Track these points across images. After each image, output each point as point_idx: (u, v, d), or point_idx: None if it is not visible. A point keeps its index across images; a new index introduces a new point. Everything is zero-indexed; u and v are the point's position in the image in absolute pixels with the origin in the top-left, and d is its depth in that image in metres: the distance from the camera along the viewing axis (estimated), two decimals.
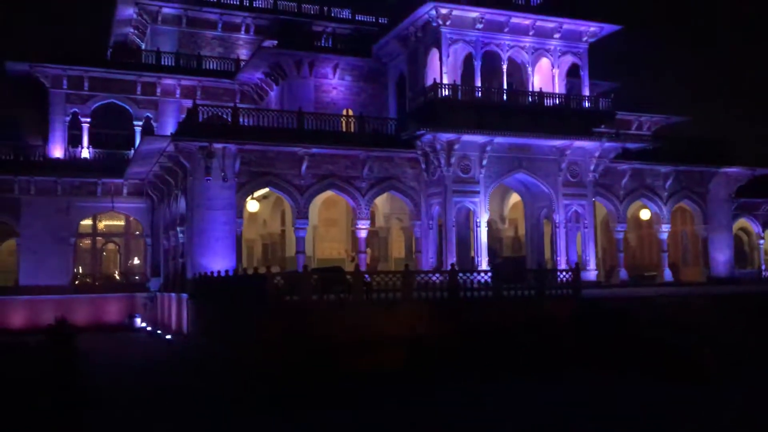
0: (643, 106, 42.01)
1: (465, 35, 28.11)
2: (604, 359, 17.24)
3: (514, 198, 33.20)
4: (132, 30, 39.35)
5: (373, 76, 32.58)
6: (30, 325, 28.52)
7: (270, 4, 39.18)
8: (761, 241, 39.48)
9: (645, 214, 33.93)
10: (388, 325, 17.42)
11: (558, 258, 28.96)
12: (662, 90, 57.17)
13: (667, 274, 32.21)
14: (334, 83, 32.29)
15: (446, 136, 26.63)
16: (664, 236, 32.71)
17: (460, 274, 21.01)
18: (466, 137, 26.76)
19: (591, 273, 29.25)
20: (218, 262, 24.88)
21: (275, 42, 32.98)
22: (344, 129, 28.23)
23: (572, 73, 30.78)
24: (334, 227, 34.14)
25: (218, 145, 24.98)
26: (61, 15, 48.41)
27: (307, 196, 26.90)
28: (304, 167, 26.52)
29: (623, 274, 31.46)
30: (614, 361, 16.99)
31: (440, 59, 27.71)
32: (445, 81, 27.39)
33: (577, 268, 21.40)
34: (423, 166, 28.19)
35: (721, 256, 33.53)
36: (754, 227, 39.32)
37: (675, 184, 32.66)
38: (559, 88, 29.76)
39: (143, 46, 38.75)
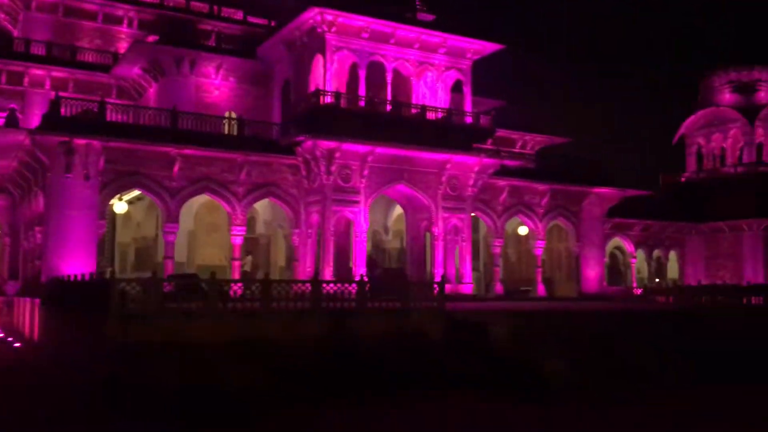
0: (528, 126, 43.36)
1: (350, 43, 27.87)
2: (465, 376, 17.16)
3: (399, 209, 33.24)
4: (3, 15, 36.76)
5: (258, 79, 31.81)
6: None
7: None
8: (633, 260, 41.40)
9: (523, 230, 34.84)
10: (244, 337, 16.67)
11: (435, 271, 29.12)
12: (552, 112, 59.35)
13: (541, 289, 33.10)
14: (217, 84, 31.28)
15: (327, 144, 26.24)
16: (539, 252, 33.64)
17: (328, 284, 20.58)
18: (348, 146, 26.47)
19: (467, 286, 29.59)
20: (76, 265, 23.31)
21: (157, 37, 31.70)
22: (224, 131, 27.33)
23: (457, 88, 31.20)
24: (216, 233, 32.92)
25: (80, 141, 23.46)
26: None
27: (179, 199, 25.73)
28: (176, 169, 25.37)
29: (499, 288, 32.05)
30: (473, 378, 16.92)
31: (324, 66, 27.35)
32: (329, 88, 27.05)
33: (442, 281, 21.45)
34: (304, 173, 27.65)
35: (592, 273, 34.84)
36: (627, 246, 41.27)
37: (551, 202, 33.69)
38: (442, 102, 30.06)
39: (15, 34, 36.30)
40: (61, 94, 27.86)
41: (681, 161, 49.21)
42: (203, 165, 26.09)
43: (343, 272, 27.55)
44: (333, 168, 26.70)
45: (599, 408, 15.71)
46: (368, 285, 22.62)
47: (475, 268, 35.65)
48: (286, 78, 30.39)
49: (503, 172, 31.64)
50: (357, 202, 27.43)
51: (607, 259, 40.86)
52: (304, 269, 27.69)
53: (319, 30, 27.37)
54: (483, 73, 42.09)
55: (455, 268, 29.78)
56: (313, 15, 27.03)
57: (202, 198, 27.51)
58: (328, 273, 26.52)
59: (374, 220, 34.16)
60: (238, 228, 26.85)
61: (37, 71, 32.03)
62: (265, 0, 36.51)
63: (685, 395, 17.55)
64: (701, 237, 44.38)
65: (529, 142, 43.73)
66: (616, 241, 41.09)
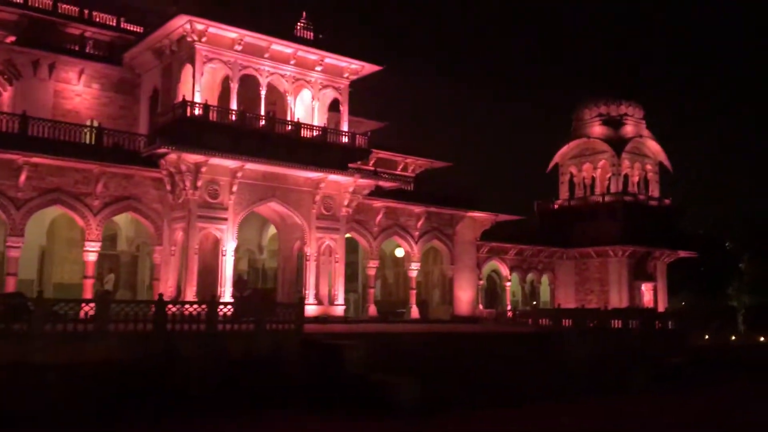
0: (410, 149, 43.69)
1: (222, 55, 26.88)
2: (318, 397, 16.54)
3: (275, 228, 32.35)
4: None
5: (126, 87, 30.12)
6: None
7: None
8: (508, 283, 42.32)
9: (400, 252, 34.79)
10: (77, 360, 15.26)
11: (306, 292, 28.38)
12: (435, 135, 60.38)
13: (415, 312, 33.03)
14: (79, 90, 29.32)
15: (193, 157, 25.05)
16: (414, 274, 33.65)
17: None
18: (215, 160, 25.38)
19: (339, 308, 29.03)
20: None
21: (14, 38, 29.44)
22: (83, 140, 25.51)
23: (335, 107, 30.82)
24: (77, 248, 30.66)
25: None
26: None
27: (25, 211, 23.69)
28: (23, 178, 23.36)
29: (372, 310, 31.70)
30: (326, 399, 16.34)
31: (194, 76, 26.20)
32: (198, 99, 25.90)
33: (300, 302, 20.79)
34: (169, 187, 26.26)
35: (465, 296, 35.23)
36: (503, 270, 42.17)
37: (426, 224, 33.86)
38: (319, 120, 29.55)
39: None
40: None
41: (556, 189, 51.21)
42: (55, 175, 24.22)
43: (209, 293, 26.23)
44: (199, 183, 25.51)
45: (446, 424, 15.61)
46: (231, 306, 21.64)
47: (353, 290, 35.36)
48: (155, 87, 28.94)
49: (380, 193, 31.51)
50: (225, 219, 26.31)
51: (484, 282, 41.68)
52: (166, 289, 26.15)
53: (189, 39, 26.23)
54: (367, 94, 42.33)
55: (328, 289, 29.16)
56: (182, 23, 25.87)
57: (60, 210, 25.51)
58: (190, 293, 25.19)
59: (249, 239, 33.19)
60: (93, 244, 25.07)
61: None
62: (143, 6, 34.71)
63: (532, 412, 17.84)
64: (571, 262, 46.12)
65: (411, 164, 43.99)
66: (494, 264, 41.96)
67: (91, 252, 25.13)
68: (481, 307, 37.88)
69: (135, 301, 23.33)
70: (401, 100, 68.82)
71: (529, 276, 44.13)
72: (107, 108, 29.87)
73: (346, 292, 35.57)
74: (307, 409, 16.24)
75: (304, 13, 31.22)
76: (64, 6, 35.43)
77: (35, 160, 23.32)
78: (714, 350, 36.95)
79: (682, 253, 46.55)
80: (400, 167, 43.25)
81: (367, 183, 29.53)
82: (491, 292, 43.44)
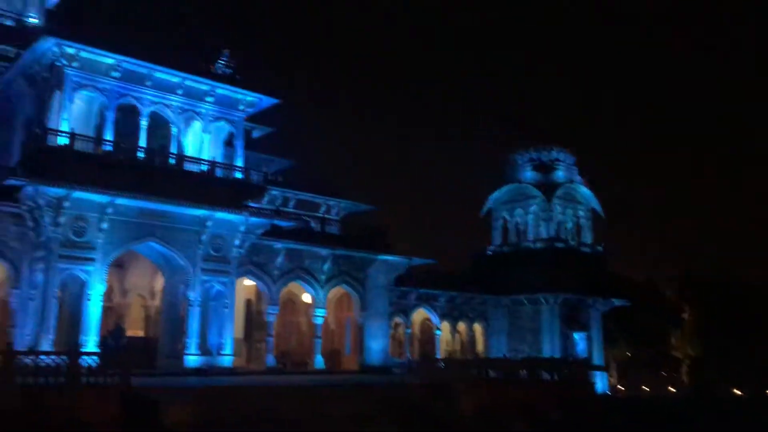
0: (332, 190, 41.89)
1: (97, 82, 24.82)
2: None
3: None
4: None
5: (1, 116, 27.78)
6: None
7: None
8: (438, 332, 40.16)
9: (306, 298, 32.50)
10: None
11: (188, 341, 25.83)
12: (360, 177, 58.90)
13: (318, 362, 30.57)
14: None
15: (53, 191, 22.72)
16: (319, 321, 31.34)
17: (30, 357, 17.19)
18: (80, 194, 23.04)
19: (226, 359, 26.45)
20: None
21: None
22: None
23: (230, 141, 28.85)
24: None
25: None
26: None
27: None
28: None
29: (270, 360, 29.17)
30: None
31: (61, 103, 24.04)
32: (66, 129, 23.68)
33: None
34: (30, 224, 23.75)
35: (376, 344, 32.92)
36: (433, 318, 40.05)
37: (334, 268, 31.71)
38: (211, 155, 27.49)
39: None
40: None
41: (489, 234, 49.67)
42: None
43: (74, 342, 23.57)
44: (62, 219, 23.11)
45: None
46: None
47: (259, 339, 32.89)
48: (29, 116, 26.66)
49: (282, 234, 29.37)
50: (92, 260, 23.82)
51: (415, 331, 39.57)
52: (23, 338, 23.36)
53: (58, 64, 24.15)
54: (280, 131, 40.65)
55: (216, 337, 26.64)
56: (50, 46, 23.85)
57: None
58: (47, 342, 22.46)
59: (139, 283, 30.67)
60: None
61: None
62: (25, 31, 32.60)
63: None
64: (504, 309, 44.24)
65: (334, 207, 42.07)
66: (422, 312, 39.90)
67: None
68: (411, 356, 35.66)
69: None
70: (325, 140, 67.57)
71: (460, 324, 42.10)
72: None
73: (252, 341, 33.18)
74: None
75: (227, 52, 29.64)
76: None
77: None
78: (622, 402, 35.28)
79: (616, 302, 45.00)
80: (323, 210, 41.32)
81: (260, 222, 27.41)
82: (423, 340, 41.33)
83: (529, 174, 47.26)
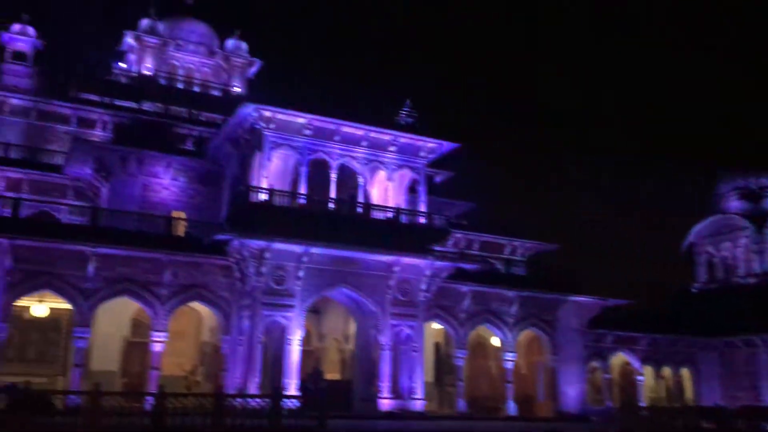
0: (516, 232, 41.40)
1: (291, 140, 26.75)
2: None
3: None
4: None
5: (211, 178, 30.82)
6: None
7: (135, 104, 37.96)
8: (640, 377, 37.62)
9: (495, 341, 31.99)
10: None
11: (381, 384, 26.39)
12: (543, 217, 57.47)
13: (511, 407, 29.72)
14: (166, 183, 30.35)
15: (256, 243, 24.59)
16: (510, 365, 30.57)
17: (238, 400, 18.76)
18: (279, 245, 24.75)
19: (418, 403, 26.64)
20: None
21: (110, 137, 31.44)
22: (162, 231, 26.03)
23: (413, 188, 29.58)
24: (181, 341, 31.00)
25: None
26: None
27: (94, 301, 24.06)
28: (91, 269, 23.86)
29: (461, 405, 28.89)
30: None
31: (260, 162, 26.17)
32: (265, 185, 25.70)
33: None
34: (237, 275, 25.86)
35: (572, 390, 31.39)
36: (633, 362, 37.61)
37: (521, 310, 30.95)
38: (396, 202, 28.36)
39: None
40: (12, 194, 27.30)
41: (687, 271, 46.03)
42: (124, 265, 24.55)
43: (278, 385, 25.08)
44: (264, 269, 24.90)
45: None
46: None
47: (450, 383, 32.90)
48: (235, 177, 29.30)
49: (468, 276, 29.36)
50: (291, 306, 25.35)
51: (615, 376, 37.34)
52: (233, 381, 25.28)
53: (257, 127, 26.41)
54: (461, 174, 41.00)
55: (407, 381, 27.00)
56: (249, 111, 26.16)
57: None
58: (253, 385, 24.12)
59: (335, 328, 32.03)
60: (159, 334, 24.88)
61: None
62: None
63: None
64: (715, 352, 40.36)
65: (519, 248, 41.50)
66: (621, 356, 37.60)
67: (158, 342, 24.91)
68: (612, 404, 33.63)
69: (194, 393, 22.72)
70: (507, 180, 66.72)
71: (665, 369, 38.97)
72: (194, 199, 30.60)
73: (443, 385, 33.21)
74: None
75: (407, 102, 31.01)
76: (172, 107, 38.02)
77: (102, 250, 23.81)
78: None
79: None
80: (507, 251, 40.89)
81: (445, 266, 27.59)
82: (623, 387, 38.86)
83: (735, 203, 43.42)
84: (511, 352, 30.53)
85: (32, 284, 23.40)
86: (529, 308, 31.17)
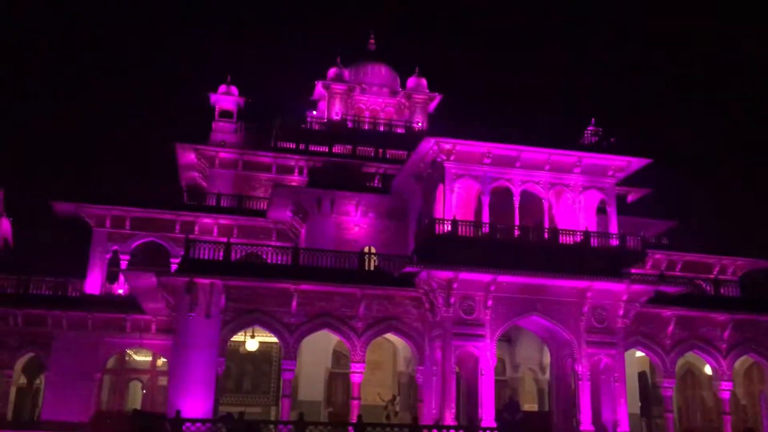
0: (721, 248, 38.09)
1: (471, 170, 26.93)
2: None
3: None
4: (197, 174, 41.75)
5: (396, 213, 31.86)
6: None
7: (326, 147, 40.46)
8: None
9: (708, 369, 29.42)
10: None
11: (581, 416, 25.30)
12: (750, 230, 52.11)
13: None
14: (356, 220, 31.87)
15: (443, 274, 24.93)
16: (726, 395, 27.91)
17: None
18: (465, 275, 24.89)
19: None
20: (194, 403, 23.96)
21: (306, 180, 33.80)
22: (355, 266, 27.29)
23: (602, 209, 28.39)
24: (379, 371, 32.31)
25: (204, 281, 24.85)
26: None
27: (298, 335, 25.73)
28: (294, 304, 25.60)
29: None
30: None
31: (444, 193, 26.62)
32: (449, 216, 26.07)
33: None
34: (427, 306, 26.35)
35: None
36: None
37: (736, 335, 28.23)
38: (584, 224, 27.34)
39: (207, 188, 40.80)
40: (224, 239, 30.25)
41: None
42: (322, 300, 26.06)
43: (473, 415, 25.09)
44: (452, 299, 25.14)
45: None
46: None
47: (657, 415, 30.89)
48: (420, 210, 30.05)
49: (670, 300, 27.46)
50: (482, 336, 25.27)
51: None
52: (429, 411, 25.65)
53: (438, 159, 26.97)
54: (659, 191, 38.59)
55: (609, 413, 25.66)
56: (430, 145, 26.79)
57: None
58: (449, 416, 24.28)
59: (529, 357, 31.50)
60: (357, 365, 25.95)
61: (206, 220, 35.25)
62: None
63: None
64: None
65: (729, 266, 38.05)
66: None
67: (357, 373, 25.97)
68: None
69: (390, 424, 23.40)
70: (712, 194, 61.26)
71: None
72: (382, 234, 31.81)
73: (651, 417, 31.25)
74: None
75: (593, 120, 30.27)
76: (360, 148, 40.01)
77: (303, 287, 25.48)
78: None
79: None
80: (717, 270, 37.63)
81: (642, 289, 26.00)
82: None
83: None
84: (727, 380, 27.88)
85: (243, 321, 25.59)
86: (745, 332, 28.39)
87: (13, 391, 33.30)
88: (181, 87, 75.86)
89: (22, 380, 34.96)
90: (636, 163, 27.77)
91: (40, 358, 32.52)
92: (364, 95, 45.71)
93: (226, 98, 41.54)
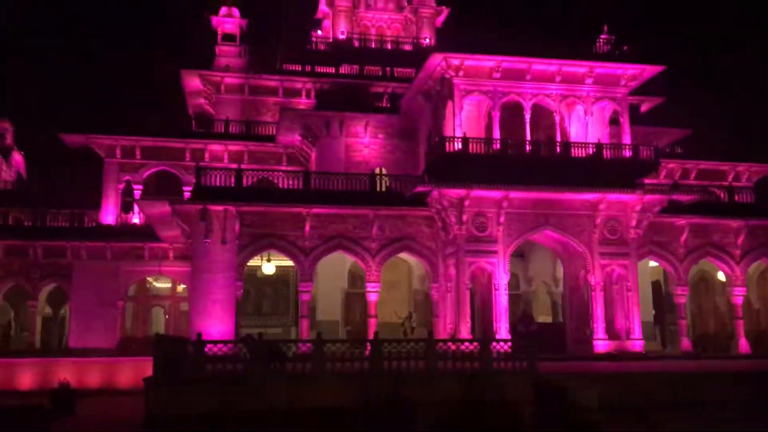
0: (736, 155, 37.66)
1: (481, 85, 26.45)
2: None
3: None
4: (203, 100, 41.31)
5: (405, 133, 31.56)
6: (78, 386, 29.55)
7: (333, 68, 39.72)
8: None
9: (721, 276, 29.64)
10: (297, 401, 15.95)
11: (595, 325, 25.75)
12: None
13: (743, 345, 27.50)
14: (366, 142, 31.62)
15: (454, 192, 24.92)
16: (739, 301, 28.22)
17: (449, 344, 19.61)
18: (477, 192, 24.87)
19: (636, 343, 25.66)
20: (215, 325, 24.57)
21: (313, 103, 33.36)
22: (366, 188, 27.28)
23: (615, 120, 27.94)
24: (395, 289, 32.83)
25: (217, 208, 25.01)
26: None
27: (312, 257, 26.05)
28: (307, 228, 25.81)
29: (685, 344, 27.32)
30: None
31: (453, 111, 26.26)
32: (459, 133, 25.79)
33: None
34: (439, 224, 26.48)
35: None
36: None
37: (750, 241, 28.27)
38: (596, 136, 27.00)
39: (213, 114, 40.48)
40: (235, 165, 30.23)
41: None
42: (336, 222, 26.23)
43: (487, 329, 25.61)
44: (465, 217, 25.20)
45: None
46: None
47: (671, 322, 31.36)
48: (429, 129, 29.74)
49: (683, 209, 27.38)
50: (495, 252, 25.46)
51: None
52: (445, 326, 26.18)
53: (447, 76, 26.45)
54: (673, 100, 37.84)
55: (623, 321, 26.08)
56: (438, 62, 26.24)
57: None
58: (464, 330, 24.77)
59: (542, 271, 31.83)
60: (373, 284, 26.36)
61: (216, 147, 35.14)
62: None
63: None
64: None
65: (744, 173, 37.74)
66: None
67: (372, 292, 26.41)
68: None
69: (406, 339, 23.94)
70: (725, 102, 60.05)
71: None
72: (392, 155, 31.60)
73: (665, 324, 31.77)
74: None
75: (605, 28, 29.43)
76: (367, 68, 39.26)
77: (315, 210, 25.61)
78: None
79: None
80: (731, 177, 37.35)
81: (655, 199, 25.89)
82: None
83: None
84: (740, 286, 28.12)
85: (259, 245, 25.88)
86: (759, 238, 28.42)
87: (38, 320, 34.31)
88: (186, 12, 74.10)
89: (47, 310, 35.96)
90: (649, 70, 27.14)
91: (62, 289, 33.32)
92: (369, 11, 44.42)
93: (228, 20, 40.59)
